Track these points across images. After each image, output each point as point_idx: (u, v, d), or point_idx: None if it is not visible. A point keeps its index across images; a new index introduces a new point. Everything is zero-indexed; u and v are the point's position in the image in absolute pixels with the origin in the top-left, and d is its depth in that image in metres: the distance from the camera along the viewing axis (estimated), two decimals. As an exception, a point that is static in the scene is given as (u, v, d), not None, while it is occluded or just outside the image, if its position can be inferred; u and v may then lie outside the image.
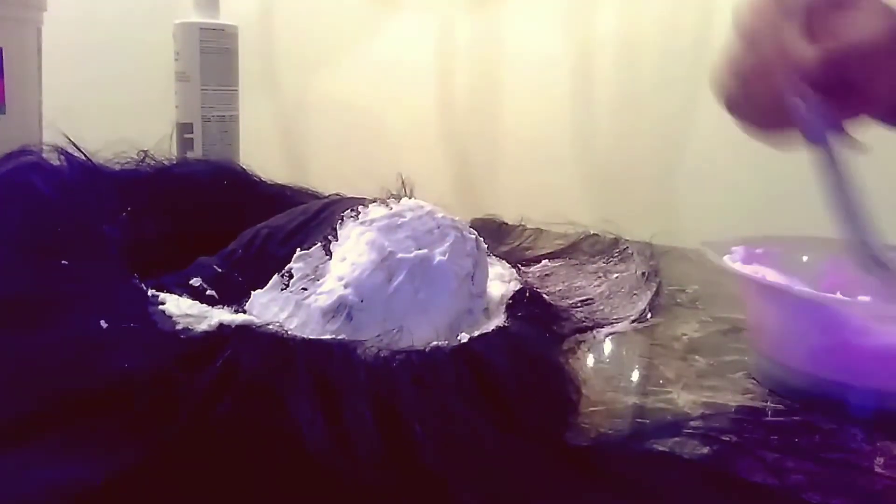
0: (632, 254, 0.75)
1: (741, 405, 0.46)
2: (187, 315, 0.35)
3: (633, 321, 0.59)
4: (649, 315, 0.61)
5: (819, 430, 0.43)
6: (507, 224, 0.84)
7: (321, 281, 0.43)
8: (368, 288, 0.42)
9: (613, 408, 0.44)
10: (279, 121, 1.22)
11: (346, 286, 0.42)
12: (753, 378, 0.51)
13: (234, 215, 0.53)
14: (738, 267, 0.51)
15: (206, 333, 0.34)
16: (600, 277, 0.68)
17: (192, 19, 0.84)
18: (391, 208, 0.46)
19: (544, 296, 0.55)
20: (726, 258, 0.53)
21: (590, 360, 0.52)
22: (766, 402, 0.46)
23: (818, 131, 0.34)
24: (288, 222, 0.50)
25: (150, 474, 0.30)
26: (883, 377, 0.46)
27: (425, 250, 0.44)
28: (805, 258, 0.57)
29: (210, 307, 0.38)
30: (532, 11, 1.06)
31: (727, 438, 0.41)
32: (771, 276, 0.54)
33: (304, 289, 0.43)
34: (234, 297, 0.44)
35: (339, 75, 1.18)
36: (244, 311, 0.42)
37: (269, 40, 1.19)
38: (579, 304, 0.61)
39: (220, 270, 0.47)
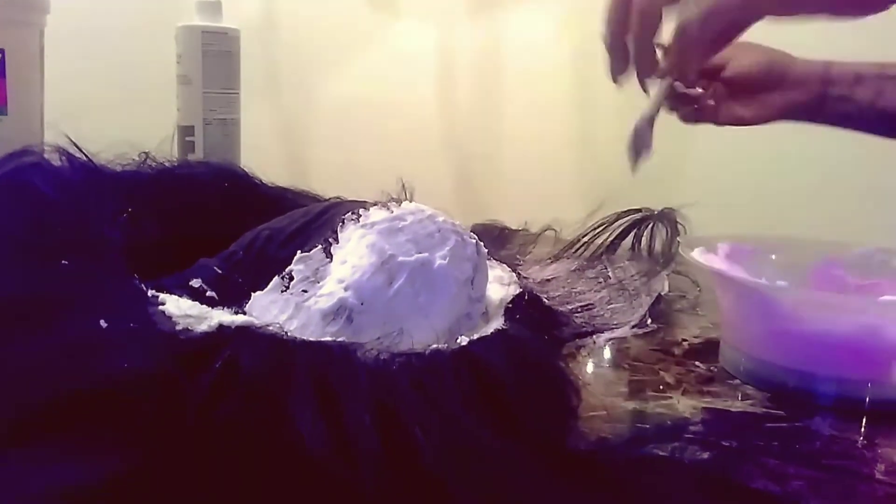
0: (632, 258, 0.75)
1: (742, 411, 0.46)
2: (187, 315, 0.35)
3: (633, 326, 0.59)
4: (650, 321, 0.61)
5: (820, 436, 0.43)
6: (508, 228, 0.84)
7: (321, 283, 0.43)
8: (369, 290, 0.42)
9: (613, 413, 0.44)
10: (280, 124, 1.22)
11: (346, 289, 0.42)
12: (724, 368, 0.51)
13: (234, 217, 0.53)
14: (698, 256, 0.52)
15: (205, 334, 0.34)
16: (601, 282, 0.68)
17: (195, 22, 0.84)
18: (392, 212, 0.46)
19: (543, 299, 0.55)
20: (696, 251, 0.53)
21: (590, 365, 0.52)
22: (767, 407, 0.46)
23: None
24: (289, 224, 0.49)
25: (150, 475, 0.30)
26: (832, 364, 0.47)
27: (426, 254, 0.44)
28: (797, 258, 0.57)
29: (210, 308, 0.37)
30: (532, 17, 1.06)
31: (727, 444, 0.41)
32: (754, 272, 0.54)
33: (305, 291, 0.42)
34: (235, 298, 0.44)
35: (340, 79, 1.18)
36: (244, 313, 0.42)
37: (270, 44, 1.20)
38: (580, 310, 0.61)
39: (220, 272, 0.47)
